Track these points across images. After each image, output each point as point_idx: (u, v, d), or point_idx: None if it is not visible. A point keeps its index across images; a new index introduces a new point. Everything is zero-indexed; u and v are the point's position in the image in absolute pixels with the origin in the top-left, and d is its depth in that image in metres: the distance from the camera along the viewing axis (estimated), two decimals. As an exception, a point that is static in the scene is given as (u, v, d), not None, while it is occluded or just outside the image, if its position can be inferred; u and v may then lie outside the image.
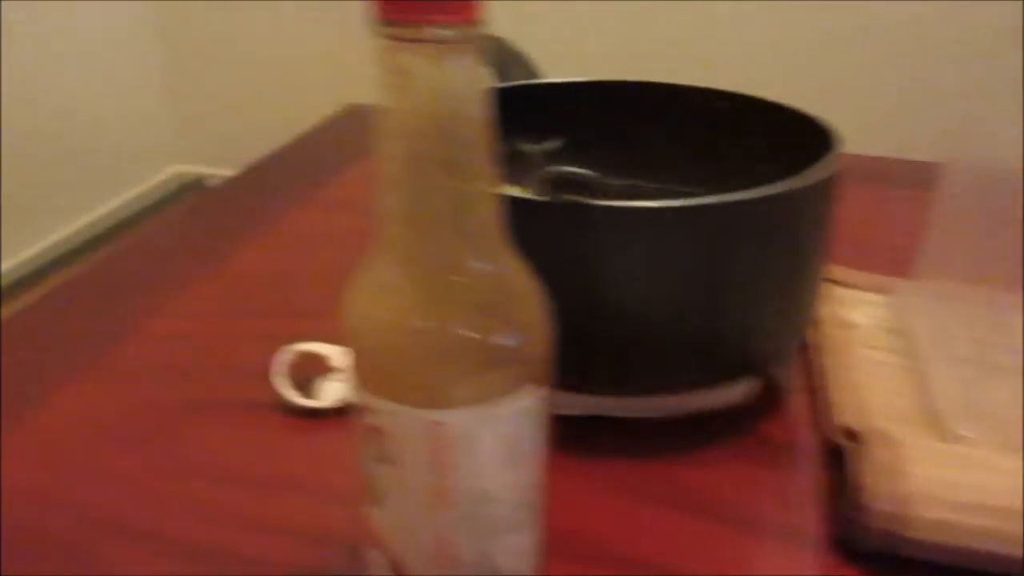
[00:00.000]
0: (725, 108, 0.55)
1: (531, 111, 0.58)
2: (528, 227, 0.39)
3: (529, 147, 0.60)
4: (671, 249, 0.39)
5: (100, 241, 2.16)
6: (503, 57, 0.60)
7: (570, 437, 0.45)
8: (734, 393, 0.46)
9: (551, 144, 0.61)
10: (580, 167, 0.60)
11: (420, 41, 0.24)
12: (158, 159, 2.37)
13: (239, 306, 0.58)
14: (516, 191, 0.51)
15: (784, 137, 0.52)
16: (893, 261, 0.56)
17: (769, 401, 0.48)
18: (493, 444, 0.27)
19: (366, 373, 0.28)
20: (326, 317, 0.55)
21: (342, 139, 0.89)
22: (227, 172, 2.38)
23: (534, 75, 0.60)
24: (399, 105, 0.26)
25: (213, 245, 0.66)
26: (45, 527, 0.40)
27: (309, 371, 0.48)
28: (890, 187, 0.78)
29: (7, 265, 1.94)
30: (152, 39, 2.26)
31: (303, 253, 0.65)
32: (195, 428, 0.46)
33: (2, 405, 0.48)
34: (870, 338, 0.50)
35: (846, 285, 0.55)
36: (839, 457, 0.41)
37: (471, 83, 0.26)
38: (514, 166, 0.61)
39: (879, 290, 0.55)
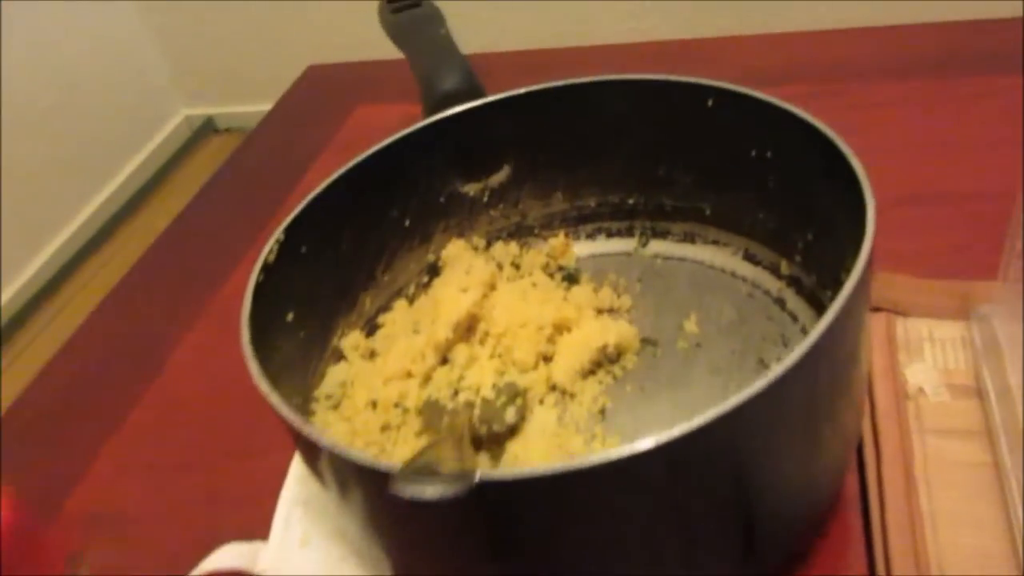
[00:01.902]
0: (708, 106, 0.40)
1: (468, 140, 0.45)
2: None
3: (471, 187, 0.47)
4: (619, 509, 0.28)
5: (134, 204, 2.06)
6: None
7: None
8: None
9: (497, 177, 0.47)
10: (537, 196, 0.47)
11: None
12: (165, 108, 2.20)
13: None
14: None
15: (790, 149, 0.38)
16: (983, 232, 0.40)
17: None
18: None
19: None
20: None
21: (310, 115, 0.76)
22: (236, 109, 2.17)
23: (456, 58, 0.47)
24: None
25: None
26: None
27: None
28: (986, 76, 0.58)
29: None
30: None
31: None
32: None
33: None
34: (941, 413, 0.37)
35: (905, 312, 0.41)
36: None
37: None
38: (457, 214, 0.48)
39: (956, 311, 0.41)
